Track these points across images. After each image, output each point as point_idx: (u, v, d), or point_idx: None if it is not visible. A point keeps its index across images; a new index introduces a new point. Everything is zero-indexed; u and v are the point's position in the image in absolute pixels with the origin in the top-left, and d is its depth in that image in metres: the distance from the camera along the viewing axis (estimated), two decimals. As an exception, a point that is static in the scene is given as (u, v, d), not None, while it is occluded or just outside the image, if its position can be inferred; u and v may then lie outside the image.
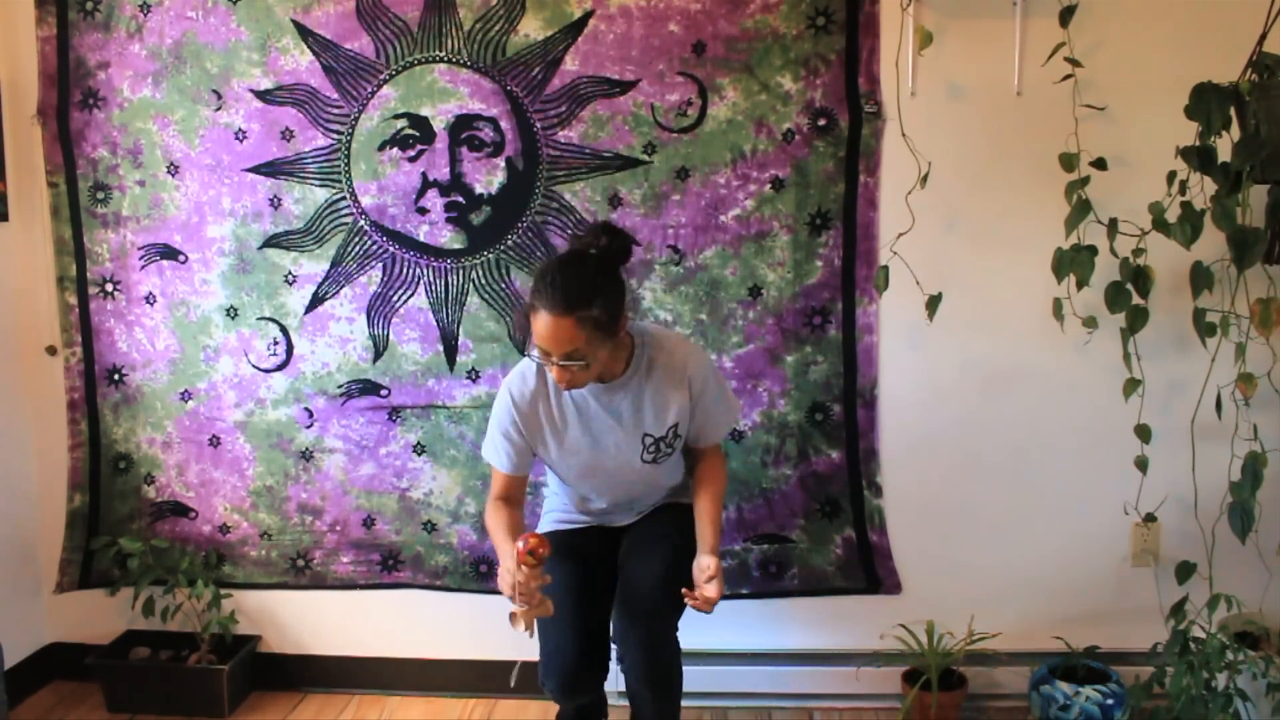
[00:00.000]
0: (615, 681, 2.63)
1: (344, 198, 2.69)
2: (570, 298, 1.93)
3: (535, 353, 2.03)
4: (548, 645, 2.14)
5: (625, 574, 2.21)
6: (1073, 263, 2.38)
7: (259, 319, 2.77)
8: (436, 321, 2.72)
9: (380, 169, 2.67)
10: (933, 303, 2.51)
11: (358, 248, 2.71)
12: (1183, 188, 2.26)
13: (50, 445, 2.88)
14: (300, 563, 2.87)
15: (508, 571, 2.01)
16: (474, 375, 2.73)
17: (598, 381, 2.11)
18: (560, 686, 2.14)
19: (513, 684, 2.28)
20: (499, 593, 2.78)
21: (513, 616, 2.01)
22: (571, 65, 2.57)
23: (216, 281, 2.77)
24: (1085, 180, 2.38)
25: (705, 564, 2.09)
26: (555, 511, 2.39)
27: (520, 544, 1.99)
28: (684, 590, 2.06)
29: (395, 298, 2.72)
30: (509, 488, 2.25)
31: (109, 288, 2.81)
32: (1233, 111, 2.16)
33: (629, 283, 2.12)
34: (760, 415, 2.67)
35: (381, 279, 2.72)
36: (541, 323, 1.95)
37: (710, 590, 2.05)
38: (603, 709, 2.45)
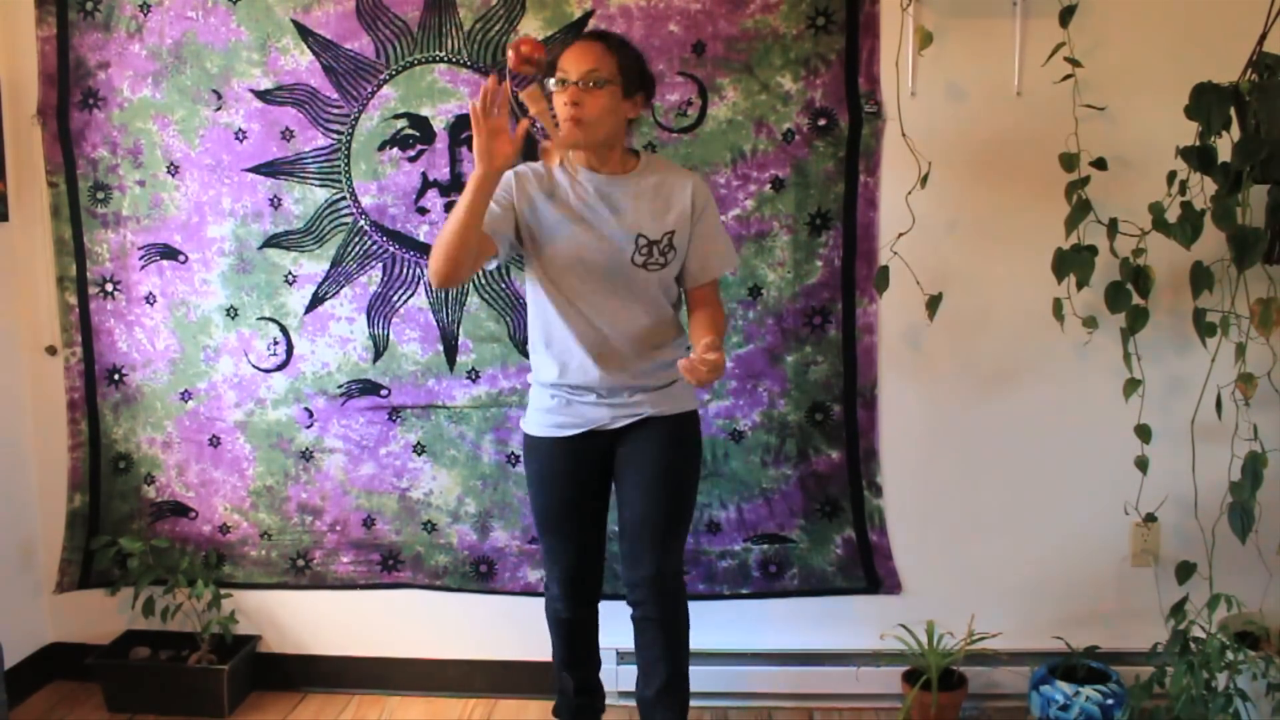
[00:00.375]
0: (616, 681, 2.65)
1: (344, 198, 2.69)
2: (606, 33, 2.19)
3: (552, 83, 2.07)
4: (548, 550, 2.31)
5: (626, 515, 2.22)
6: (1073, 263, 2.38)
7: (259, 319, 2.77)
8: (436, 321, 2.72)
9: (380, 169, 2.67)
10: (933, 303, 2.51)
11: (358, 248, 2.71)
12: (1183, 188, 2.26)
13: (50, 445, 2.87)
14: (300, 563, 2.87)
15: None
16: (474, 375, 2.73)
17: (598, 173, 2.14)
18: (563, 587, 2.28)
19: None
20: (499, 593, 2.81)
21: (544, 150, 2.13)
22: (571, 65, 2.57)
23: (216, 281, 2.77)
24: (1085, 180, 2.39)
25: (708, 340, 1.97)
26: (540, 405, 2.25)
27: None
28: (682, 361, 1.97)
29: (395, 298, 2.72)
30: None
31: (109, 288, 2.81)
32: (1233, 111, 2.16)
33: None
34: (760, 415, 2.67)
35: (381, 279, 2.72)
36: (570, 50, 2.07)
37: (710, 354, 1.93)
38: (599, 700, 2.45)
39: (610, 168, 2.16)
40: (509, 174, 2.15)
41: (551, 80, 2.07)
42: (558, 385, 2.20)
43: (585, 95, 2.04)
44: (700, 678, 2.63)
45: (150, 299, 2.80)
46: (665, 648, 2.24)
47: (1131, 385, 2.43)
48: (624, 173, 2.16)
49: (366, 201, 2.69)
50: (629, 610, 2.27)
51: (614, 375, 2.17)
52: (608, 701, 2.49)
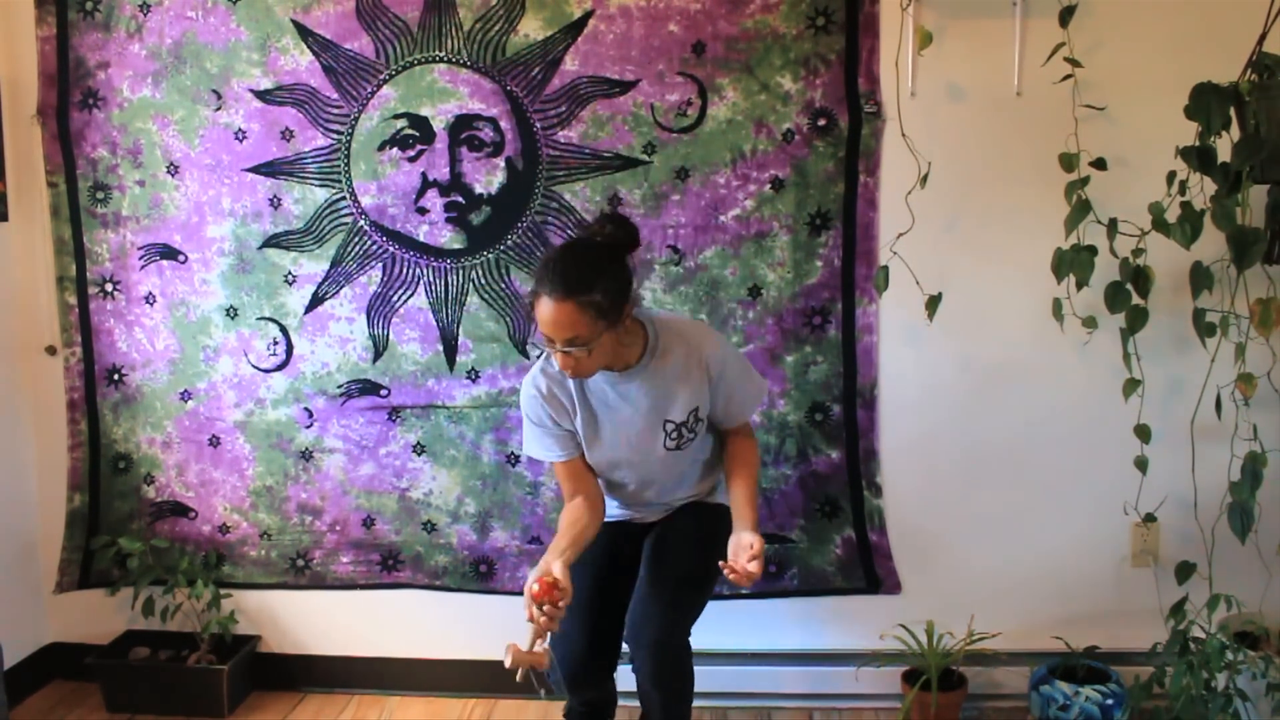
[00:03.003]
0: (626, 680, 2.64)
1: (344, 198, 2.69)
2: (570, 282, 1.92)
3: (540, 339, 2.02)
4: (559, 634, 2.17)
5: (643, 574, 2.20)
6: (1073, 263, 2.38)
7: (259, 319, 2.77)
8: (436, 321, 2.72)
9: (380, 169, 2.67)
10: (932, 303, 2.51)
11: (358, 248, 2.71)
12: (1183, 188, 2.26)
13: (50, 445, 2.88)
14: (300, 563, 2.87)
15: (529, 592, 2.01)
16: (474, 375, 2.73)
17: (611, 370, 2.10)
18: (567, 677, 2.17)
19: (517, 679, 2.23)
20: (498, 593, 2.81)
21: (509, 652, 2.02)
22: (571, 65, 2.57)
23: (216, 281, 2.77)
24: (1085, 180, 2.38)
25: (747, 540, 2.02)
26: None
27: (535, 586, 1.99)
28: (722, 562, 2.00)
29: (395, 298, 2.72)
30: (572, 473, 2.18)
31: (109, 288, 2.81)
32: (1233, 111, 2.16)
33: (633, 271, 2.10)
34: (760, 415, 2.67)
35: (381, 279, 2.72)
36: (543, 308, 1.95)
37: (752, 566, 1.97)
38: (611, 707, 2.45)
39: (622, 363, 2.10)
40: (538, 399, 2.15)
41: (536, 336, 2.04)
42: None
43: (574, 355, 1.98)
44: (700, 678, 2.62)
45: (150, 299, 2.80)
46: (661, 707, 2.19)
47: (1131, 385, 2.43)
48: (636, 360, 2.10)
49: (366, 201, 2.69)
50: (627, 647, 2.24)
51: (654, 505, 2.31)
52: (618, 701, 2.48)
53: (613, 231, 2.04)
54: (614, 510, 2.32)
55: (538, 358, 2.20)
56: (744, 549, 2.02)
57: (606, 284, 1.95)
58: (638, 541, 2.29)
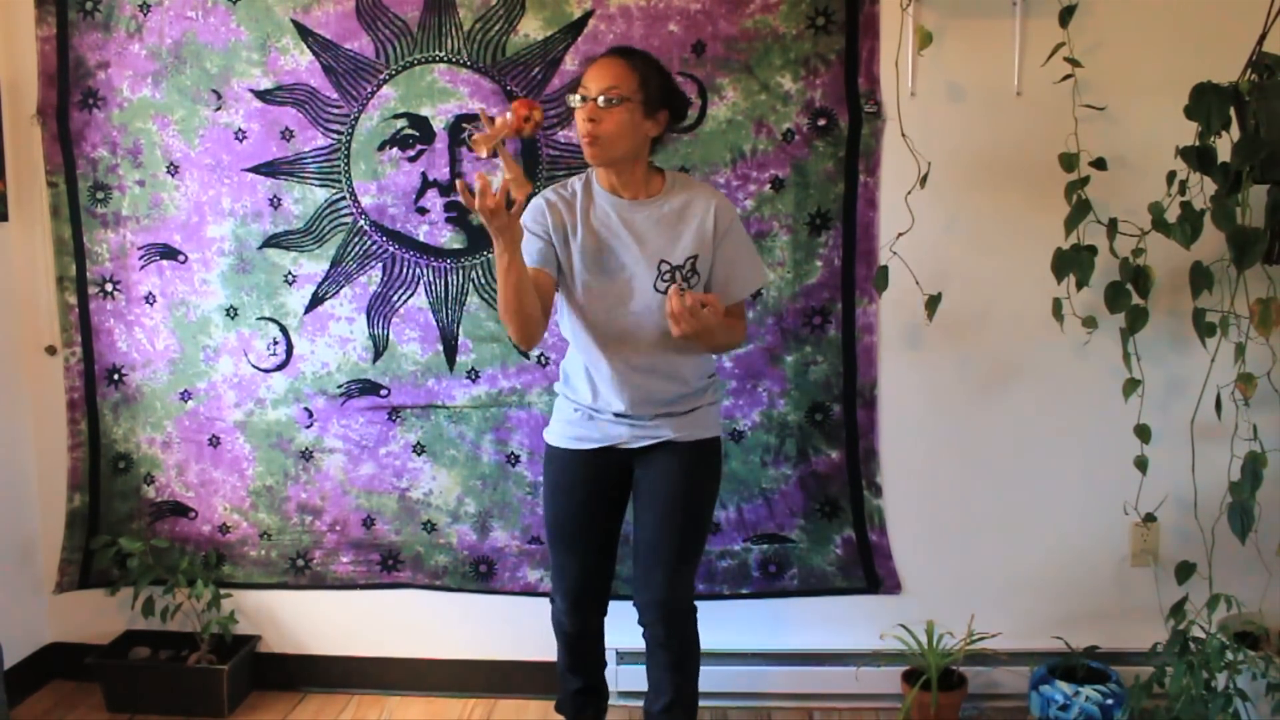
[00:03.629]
0: (616, 681, 2.64)
1: (344, 198, 2.69)
2: (630, 50, 2.12)
3: (573, 100, 2.07)
4: (556, 565, 2.31)
5: (640, 529, 2.22)
6: (1072, 263, 2.38)
7: (259, 319, 2.77)
8: (436, 321, 2.72)
9: (380, 169, 2.67)
10: (932, 303, 2.51)
11: (358, 248, 2.71)
12: (1183, 188, 2.26)
13: (50, 445, 2.87)
14: (300, 563, 2.87)
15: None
16: (474, 375, 2.73)
17: (620, 197, 2.13)
18: (568, 603, 2.29)
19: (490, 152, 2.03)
20: (498, 593, 2.81)
21: (474, 141, 1.99)
22: (571, 65, 2.57)
23: (216, 281, 2.77)
24: (1085, 180, 2.38)
25: (711, 298, 1.97)
26: (564, 417, 2.27)
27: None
28: (673, 289, 1.97)
29: (395, 298, 2.72)
30: (532, 277, 2.08)
31: (109, 288, 2.81)
32: (1233, 111, 2.16)
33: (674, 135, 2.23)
34: (760, 415, 2.67)
35: (381, 279, 2.72)
36: (592, 65, 2.08)
37: (677, 302, 1.94)
38: (603, 701, 2.45)
39: (632, 191, 2.14)
40: (538, 201, 2.17)
41: (574, 96, 2.07)
42: (582, 404, 2.23)
43: (603, 113, 2.02)
44: (700, 677, 2.63)
45: (150, 299, 2.80)
46: (671, 669, 2.25)
47: (1131, 385, 2.43)
48: (647, 196, 2.14)
49: (366, 201, 2.69)
50: (635, 614, 2.26)
51: (640, 404, 2.18)
52: (609, 701, 2.49)
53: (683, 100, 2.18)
54: (594, 432, 2.22)
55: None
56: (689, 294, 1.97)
57: (658, 72, 2.09)
58: (622, 474, 2.25)
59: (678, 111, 2.15)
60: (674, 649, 2.24)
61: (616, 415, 2.19)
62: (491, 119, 2.01)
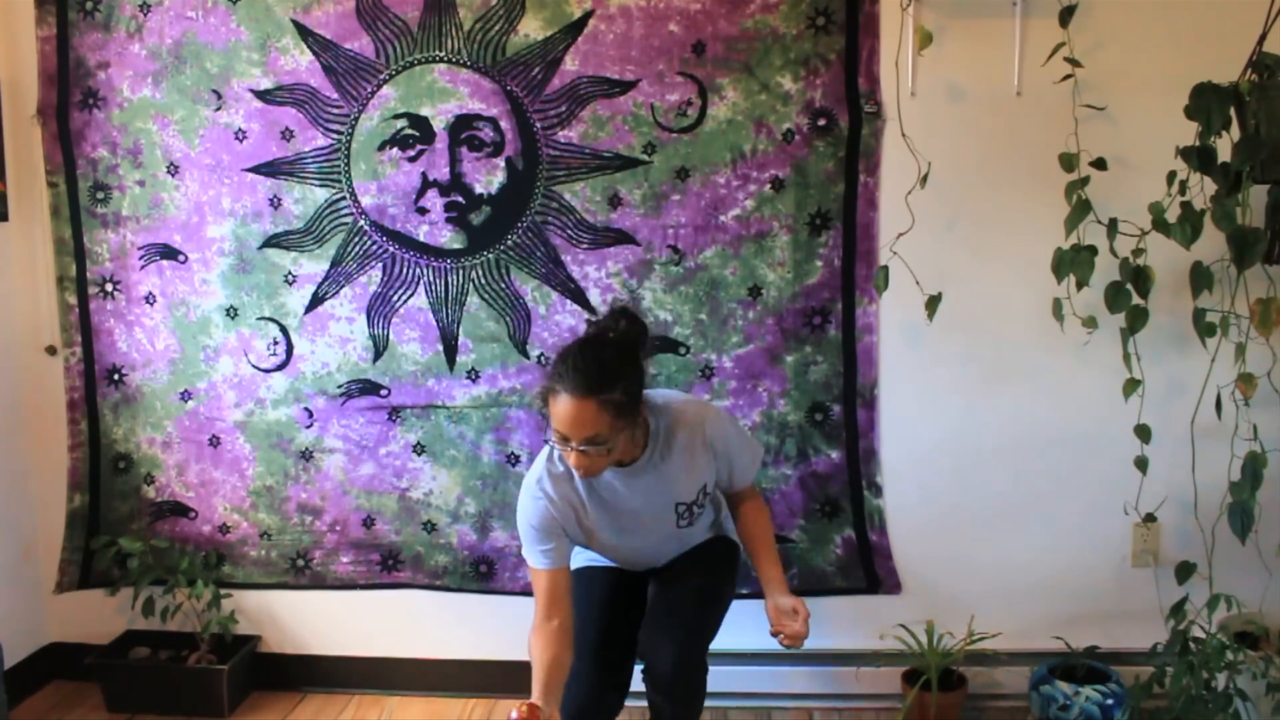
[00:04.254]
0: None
1: (344, 198, 2.69)
2: (591, 380, 1.88)
3: (552, 438, 1.96)
4: (570, 675, 2.09)
5: (654, 597, 2.21)
6: (1073, 263, 2.38)
7: (259, 319, 2.77)
8: (436, 321, 2.72)
9: (380, 169, 2.67)
10: (933, 303, 2.51)
11: (358, 248, 2.71)
12: (1183, 188, 2.26)
13: (50, 445, 2.87)
14: (300, 563, 2.87)
15: None
16: (474, 375, 2.73)
17: (617, 466, 2.05)
18: (577, 715, 2.11)
19: None
20: (499, 593, 2.81)
21: None
22: (571, 65, 2.57)
23: (216, 281, 2.77)
24: (1085, 180, 2.38)
25: (786, 605, 2.07)
26: (584, 552, 2.32)
27: (514, 715, 1.88)
28: (773, 631, 2.07)
29: (395, 298, 2.72)
30: (554, 589, 2.05)
31: (109, 288, 2.81)
32: (1233, 111, 2.16)
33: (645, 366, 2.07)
34: (760, 415, 2.67)
35: (381, 279, 2.72)
36: (562, 406, 1.90)
37: (800, 626, 2.05)
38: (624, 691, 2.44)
39: (629, 458, 2.06)
40: (541, 504, 2.07)
41: (552, 432, 1.96)
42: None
43: (589, 454, 1.93)
44: (700, 678, 2.63)
45: (150, 299, 2.80)
46: (673, 717, 2.20)
47: (1131, 385, 2.42)
48: (641, 452, 2.06)
49: (366, 201, 2.69)
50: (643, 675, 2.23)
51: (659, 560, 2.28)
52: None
53: (626, 328, 2.01)
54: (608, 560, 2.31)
55: (546, 443, 2.10)
56: (786, 613, 2.08)
57: (626, 382, 1.92)
58: (641, 574, 2.30)
59: (643, 382, 2.01)
60: (681, 703, 2.15)
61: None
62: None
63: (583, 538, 2.17)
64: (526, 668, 2.78)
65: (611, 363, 1.93)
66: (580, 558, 2.33)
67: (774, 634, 2.07)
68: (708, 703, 2.67)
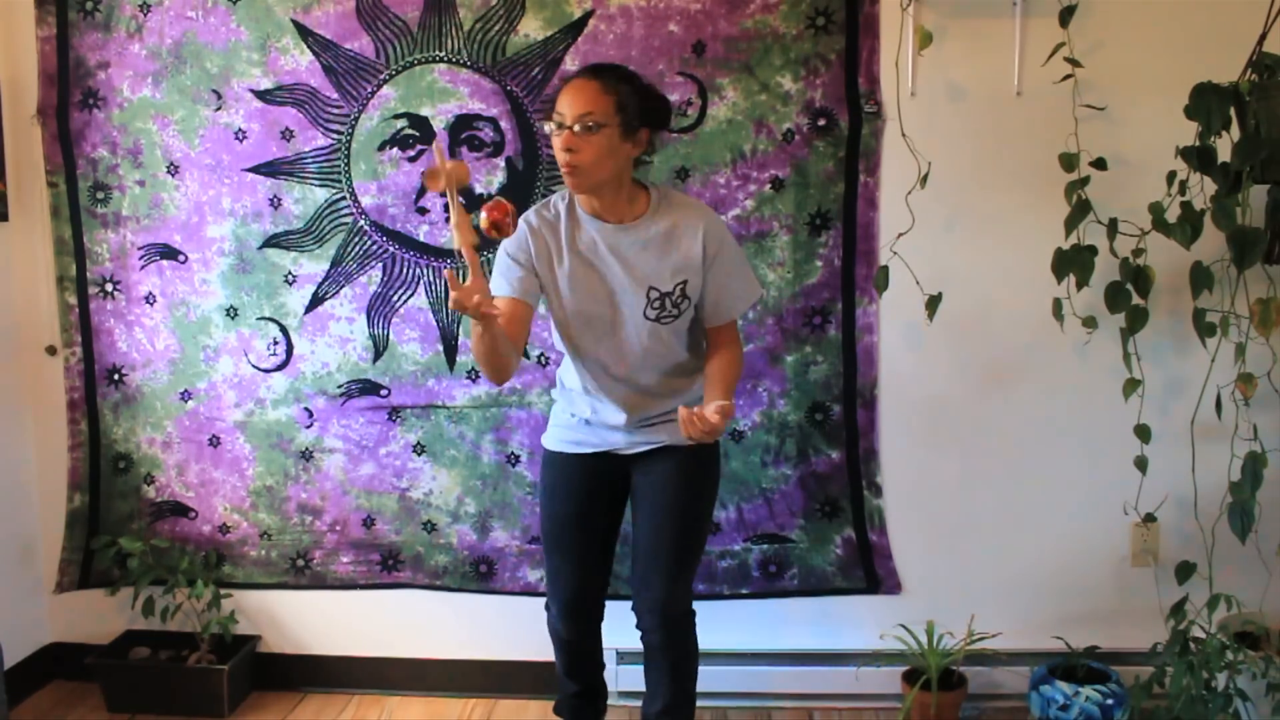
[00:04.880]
0: (616, 681, 2.65)
1: (344, 198, 2.69)
2: (602, 69, 2.03)
3: (549, 126, 1.99)
4: (551, 569, 2.29)
5: (639, 534, 2.21)
6: (1073, 263, 2.38)
7: (259, 319, 2.77)
8: (436, 321, 2.72)
9: (380, 169, 2.67)
10: (933, 303, 2.51)
11: (358, 248, 2.71)
12: (1183, 188, 2.26)
13: (50, 445, 2.87)
14: (300, 563, 2.87)
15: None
16: (474, 375, 2.73)
17: (605, 221, 2.06)
18: (563, 609, 2.27)
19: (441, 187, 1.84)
20: (499, 593, 2.81)
21: (428, 174, 1.82)
22: (571, 65, 2.57)
23: (216, 281, 2.77)
24: (1085, 180, 2.38)
25: (717, 404, 1.92)
26: (562, 422, 2.28)
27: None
28: (682, 409, 1.90)
29: (395, 298, 2.72)
30: (513, 314, 2.03)
31: (109, 288, 2.81)
32: (1233, 111, 2.16)
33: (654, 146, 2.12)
34: (760, 415, 2.67)
35: (381, 279, 2.72)
36: (567, 87, 1.98)
37: (712, 415, 1.89)
38: (602, 700, 2.45)
39: (617, 215, 2.07)
40: (521, 226, 2.08)
41: (549, 123, 1.99)
42: (579, 414, 2.23)
43: (580, 140, 1.94)
44: (700, 678, 2.62)
45: (150, 299, 2.80)
46: (669, 673, 2.24)
47: (1131, 385, 2.43)
48: (633, 219, 2.07)
49: (366, 201, 2.69)
50: (633, 615, 2.26)
51: (637, 417, 2.18)
52: (608, 701, 2.49)
53: (663, 104, 2.09)
54: (592, 437, 2.22)
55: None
56: (712, 406, 1.92)
57: (634, 92, 2.00)
58: (620, 478, 2.24)
59: (660, 124, 2.08)
60: (672, 654, 2.24)
61: (613, 425, 2.19)
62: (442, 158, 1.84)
63: (551, 290, 2.11)
64: (526, 668, 2.81)
65: (629, 74, 2.03)
66: (559, 433, 2.27)
67: (682, 413, 1.91)
68: (708, 703, 2.69)
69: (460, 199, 1.82)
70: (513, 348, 2.01)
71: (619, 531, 2.33)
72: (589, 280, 2.09)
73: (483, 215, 1.84)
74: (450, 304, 1.79)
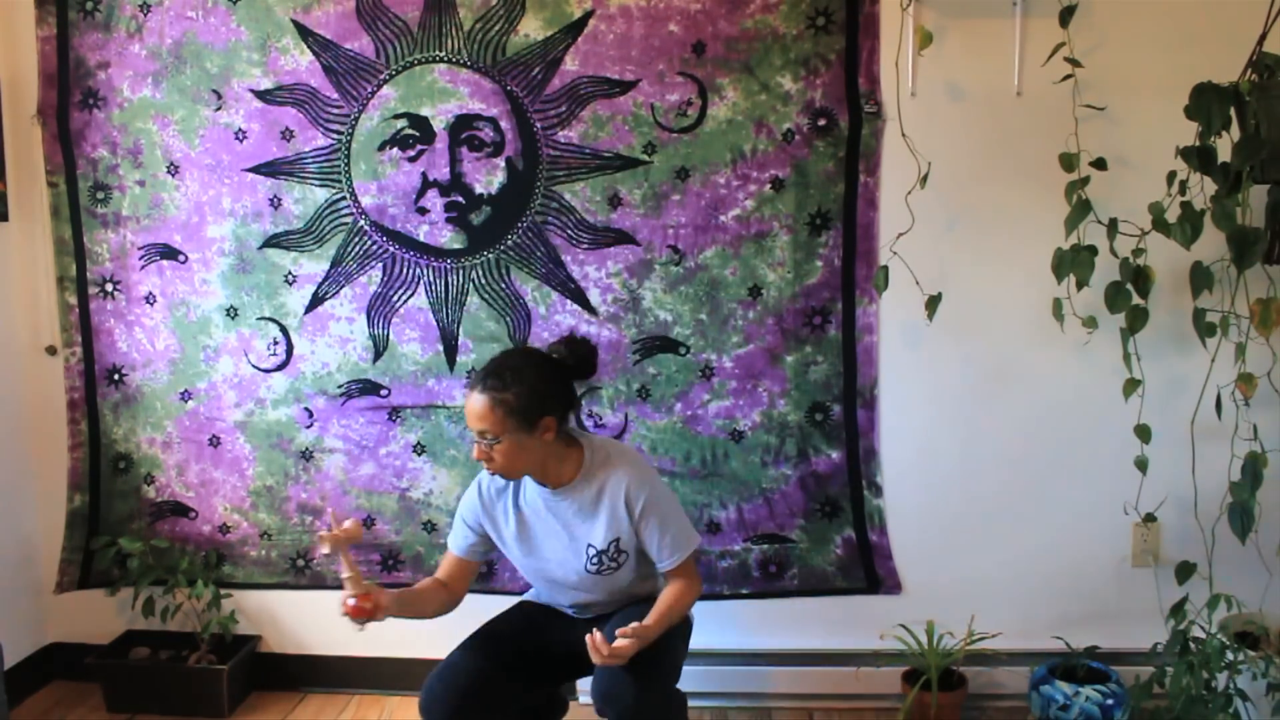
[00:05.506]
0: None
1: (344, 198, 2.69)
2: (487, 378, 2.04)
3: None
4: (445, 664, 2.18)
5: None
6: (1073, 263, 2.38)
7: (259, 319, 2.77)
8: (436, 321, 2.72)
9: (380, 169, 2.67)
10: (933, 303, 2.51)
11: (358, 248, 2.71)
12: (1183, 188, 2.26)
13: (50, 445, 2.87)
14: (300, 563, 2.87)
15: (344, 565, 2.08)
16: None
17: (545, 485, 2.14)
18: (428, 707, 2.12)
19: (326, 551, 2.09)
20: (499, 593, 2.81)
21: (319, 539, 2.09)
22: (571, 65, 2.57)
23: (216, 281, 2.77)
24: (1085, 180, 2.39)
25: (636, 627, 1.97)
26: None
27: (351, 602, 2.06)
28: (588, 637, 1.94)
29: (395, 298, 2.72)
30: (454, 569, 2.27)
31: (109, 288, 2.82)
32: (1233, 111, 2.16)
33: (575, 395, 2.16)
34: (760, 415, 2.67)
35: (381, 279, 2.72)
36: (466, 400, 2.06)
37: (621, 643, 1.93)
38: (557, 708, 2.45)
39: (554, 479, 2.13)
40: (473, 491, 2.23)
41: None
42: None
43: (488, 450, 2.04)
44: (700, 678, 2.63)
45: (150, 299, 2.80)
46: None
47: (1131, 385, 2.43)
48: (569, 480, 2.13)
49: (366, 201, 2.69)
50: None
51: (597, 612, 2.26)
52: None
53: (565, 353, 2.13)
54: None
55: None
56: (629, 630, 1.95)
57: (522, 389, 2.02)
58: (565, 631, 2.22)
59: (569, 399, 2.11)
60: None
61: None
62: (341, 526, 2.08)
63: (501, 544, 2.25)
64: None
65: (518, 369, 2.05)
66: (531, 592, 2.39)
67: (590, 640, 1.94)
68: (708, 703, 2.69)
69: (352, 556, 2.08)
70: (438, 603, 2.25)
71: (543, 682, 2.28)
72: (533, 538, 2.20)
73: (351, 601, 2.05)
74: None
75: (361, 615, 2.04)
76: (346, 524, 2.07)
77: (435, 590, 2.25)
